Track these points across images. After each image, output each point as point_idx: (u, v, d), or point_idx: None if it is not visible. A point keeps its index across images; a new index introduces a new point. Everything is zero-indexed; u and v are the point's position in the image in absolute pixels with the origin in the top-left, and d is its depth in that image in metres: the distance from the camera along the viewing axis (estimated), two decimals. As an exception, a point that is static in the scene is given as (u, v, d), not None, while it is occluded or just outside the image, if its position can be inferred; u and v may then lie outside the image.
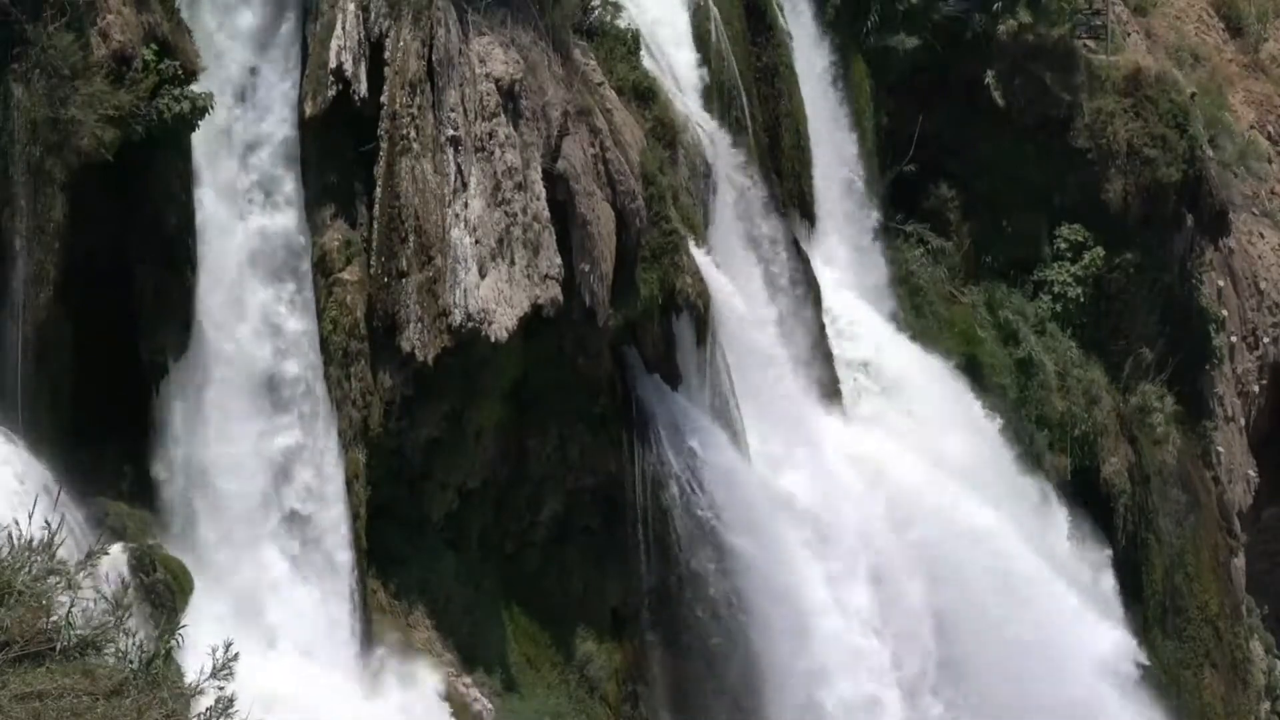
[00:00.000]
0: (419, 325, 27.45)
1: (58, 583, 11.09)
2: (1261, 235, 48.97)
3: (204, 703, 10.67)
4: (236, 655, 10.74)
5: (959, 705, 34.85)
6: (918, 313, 40.04)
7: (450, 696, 27.98)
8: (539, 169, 28.70)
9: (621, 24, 32.54)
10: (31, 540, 11.14)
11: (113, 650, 10.93)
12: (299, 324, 27.29)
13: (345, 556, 27.23)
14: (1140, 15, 48.16)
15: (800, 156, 37.45)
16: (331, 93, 27.20)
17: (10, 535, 11.28)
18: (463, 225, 27.73)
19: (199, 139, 25.94)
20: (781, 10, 37.52)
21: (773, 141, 36.77)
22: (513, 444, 30.11)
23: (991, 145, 41.95)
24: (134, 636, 11.04)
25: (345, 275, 27.70)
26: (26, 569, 11.01)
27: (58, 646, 10.71)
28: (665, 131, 32.63)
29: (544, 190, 28.64)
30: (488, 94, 28.34)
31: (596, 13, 32.12)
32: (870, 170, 39.80)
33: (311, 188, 27.59)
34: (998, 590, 35.57)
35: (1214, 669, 43.73)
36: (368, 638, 27.52)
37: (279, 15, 27.32)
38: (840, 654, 32.49)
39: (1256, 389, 47.94)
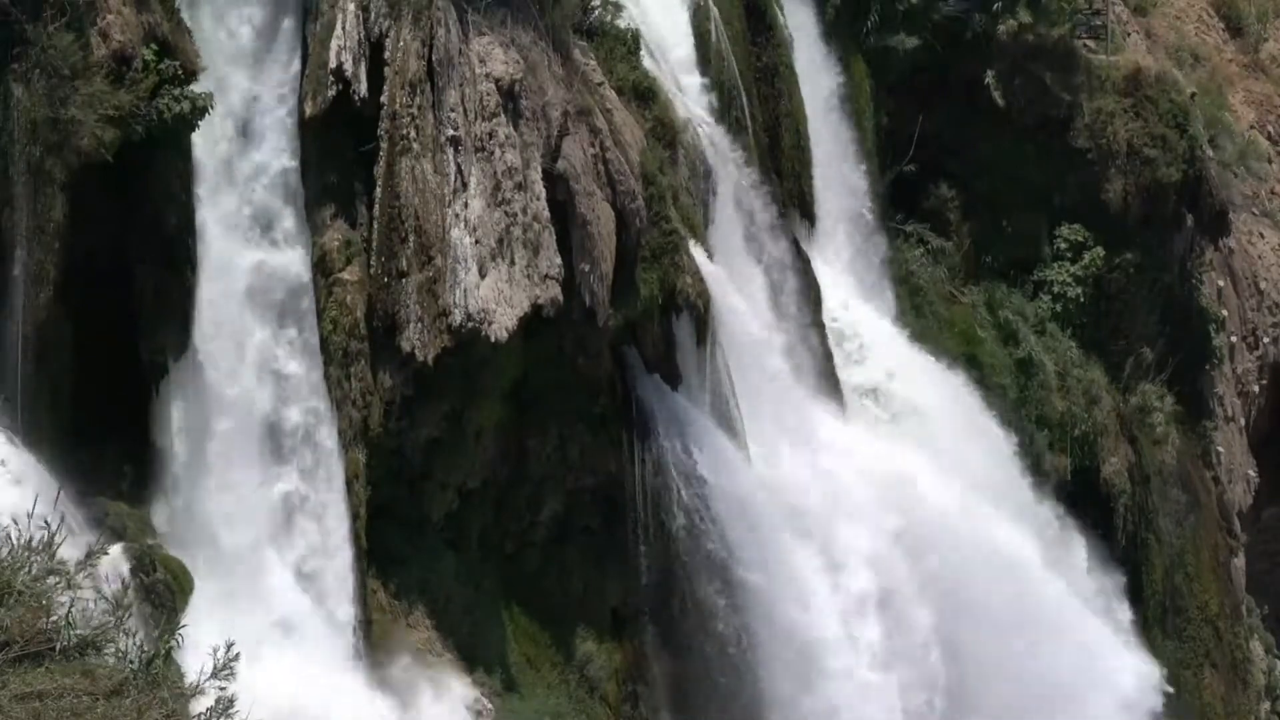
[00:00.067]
0: (419, 325, 27.45)
1: (58, 583, 11.08)
2: (1261, 235, 48.97)
3: (204, 703, 10.66)
4: (238, 655, 10.73)
5: None
6: (918, 313, 40.03)
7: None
8: (539, 169, 28.70)
9: (621, 24, 32.54)
10: (31, 540, 11.13)
11: (113, 650, 10.92)
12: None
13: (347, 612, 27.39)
14: (1140, 15, 48.15)
15: (800, 156, 37.44)
16: (331, 93, 27.20)
17: (10, 535, 11.28)
18: (463, 225, 27.72)
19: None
20: (781, 10, 37.51)
21: (773, 141, 36.76)
22: (513, 444, 30.11)
23: (991, 145, 41.94)
24: (134, 636, 11.04)
25: (345, 275, 27.70)
26: (26, 569, 11.00)
27: (58, 646, 10.71)
28: (665, 131, 32.62)
29: (544, 190, 28.64)
30: (488, 94, 28.34)
31: (596, 13, 32.12)
32: (870, 170, 39.79)
33: (311, 188, 27.59)
34: (1020, 622, 35.20)
35: (1214, 669, 43.73)
36: (368, 638, 27.53)
37: (279, 15, 27.34)
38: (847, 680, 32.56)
39: (1256, 389, 47.93)
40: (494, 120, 28.31)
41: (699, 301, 31.36)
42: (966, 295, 41.57)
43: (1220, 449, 45.52)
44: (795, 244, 35.55)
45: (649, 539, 31.08)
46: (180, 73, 25.30)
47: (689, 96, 34.25)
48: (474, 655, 29.10)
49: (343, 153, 27.93)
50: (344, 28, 27.34)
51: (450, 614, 29.05)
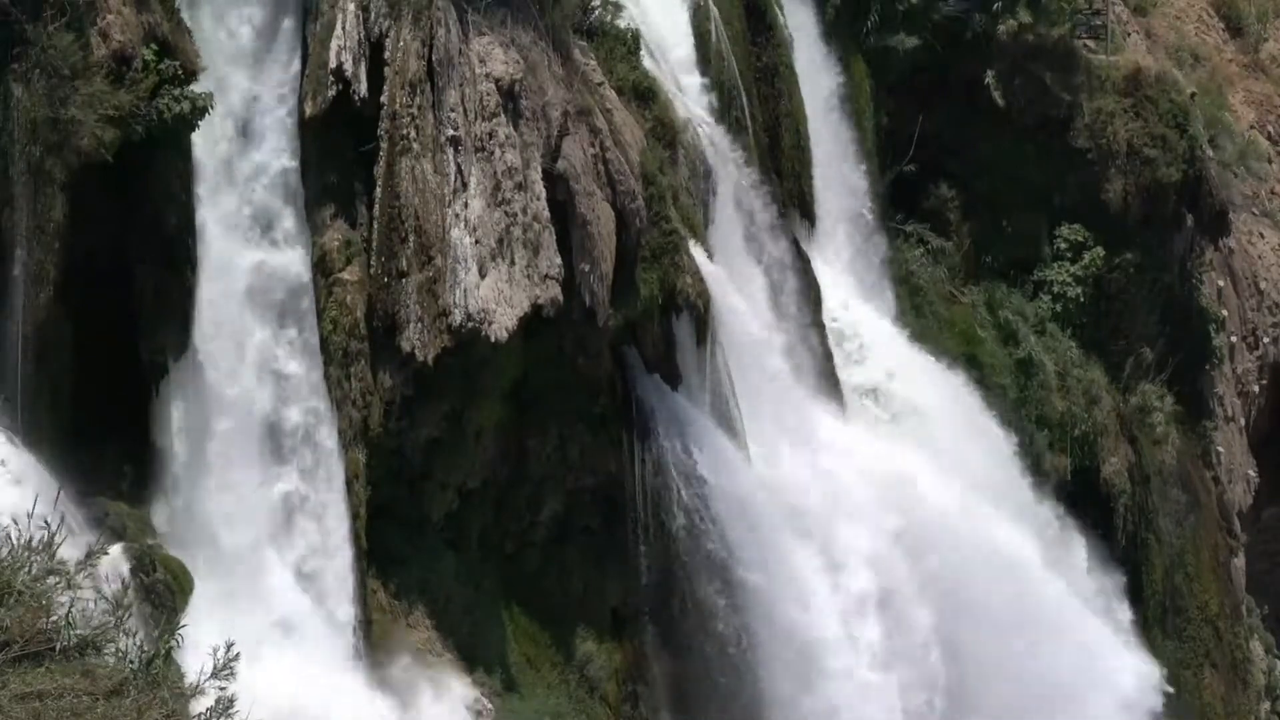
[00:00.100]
0: (419, 325, 27.45)
1: (58, 583, 11.08)
2: (1261, 235, 48.97)
3: (204, 703, 10.66)
4: (238, 655, 10.73)
5: None
6: (918, 313, 40.03)
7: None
8: (539, 169, 28.70)
9: (621, 24, 32.54)
10: (31, 540, 11.13)
11: (113, 650, 10.92)
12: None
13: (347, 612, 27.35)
14: (1140, 15, 48.16)
15: (800, 156, 37.44)
16: (331, 93, 27.20)
17: (10, 535, 11.28)
18: (463, 225, 27.72)
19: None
20: (781, 10, 37.51)
21: (773, 141, 36.75)
22: (513, 444, 30.11)
23: (991, 145, 41.94)
24: (134, 636, 11.04)
25: (345, 275, 27.70)
26: (26, 569, 11.00)
27: (58, 646, 10.71)
28: (665, 131, 32.62)
29: (544, 190, 28.63)
30: (488, 94, 28.34)
31: (596, 13, 32.11)
32: (870, 170, 39.79)
33: (311, 188, 27.59)
34: (1019, 622, 35.09)
35: (1214, 669, 43.73)
36: (368, 638, 27.52)
37: (279, 15, 27.33)
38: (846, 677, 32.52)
39: (1256, 389, 47.94)
40: (494, 120, 28.31)
41: (699, 301, 31.36)
42: (966, 295, 41.56)
43: (1220, 449, 45.53)
44: (795, 244, 35.54)
45: (649, 539, 31.08)
46: (180, 73, 25.30)
47: (689, 96, 34.25)
48: (474, 655, 29.10)
49: (343, 153, 27.92)
50: (344, 28, 27.34)
51: (450, 614, 29.04)
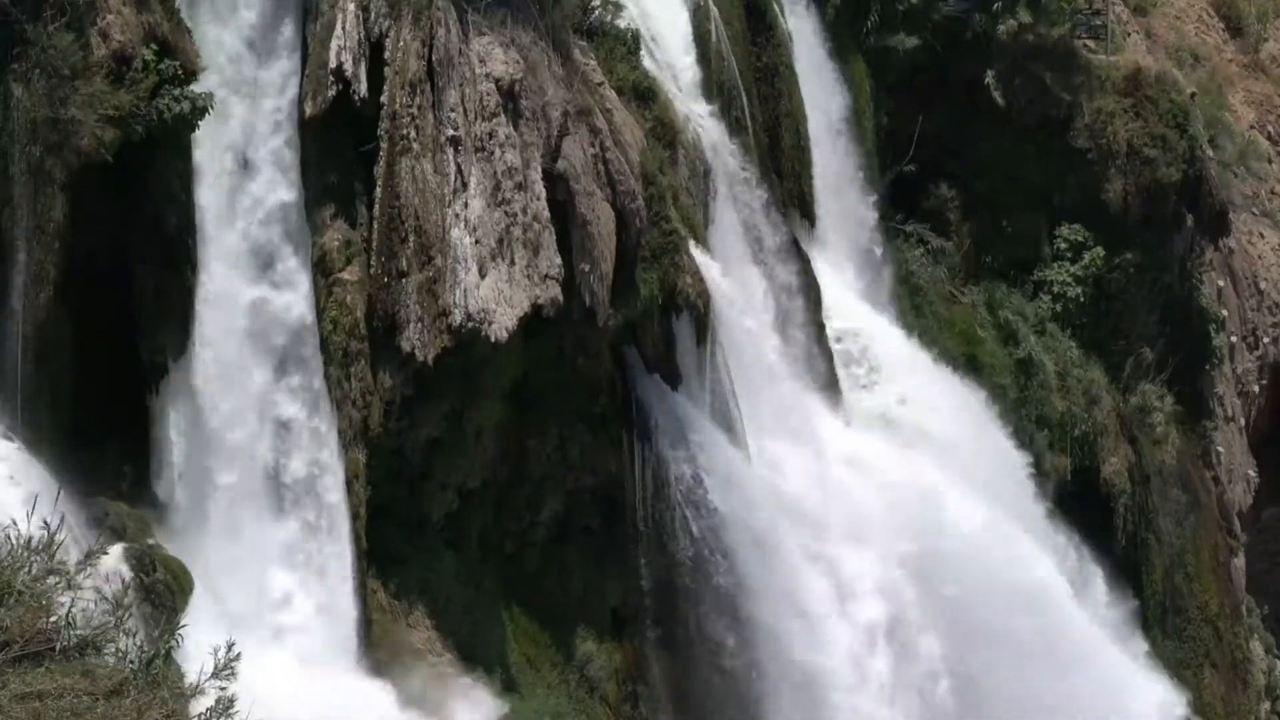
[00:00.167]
0: (419, 325, 27.45)
1: (58, 583, 11.08)
2: (1261, 235, 48.97)
3: (204, 703, 10.66)
4: (238, 655, 10.73)
5: None
6: (918, 313, 40.04)
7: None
8: (539, 169, 28.70)
9: (621, 24, 32.54)
10: (31, 540, 11.13)
11: (113, 650, 10.92)
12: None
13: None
14: (1140, 15, 48.16)
15: (800, 156, 37.44)
16: (331, 93, 27.19)
17: (10, 535, 11.28)
18: (463, 225, 27.72)
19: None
20: (781, 10, 37.51)
21: (773, 141, 36.75)
22: (513, 444, 30.11)
23: (991, 145, 41.95)
24: (134, 636, 11.03)
25: (345, 275, 27.69)
26: (26, 569, 11.00)
27: (58, 646, 10.70)
28: (665, 131, 32.63)
29: (544, 190, 28.63)
30: (488, 94, 28.34)
31: (596, 13, 32.11)
32: (870, 170, 39.79)
33: (311, 188, 27.58)
34: (1040, 652, 34.28)
35: (1214, 669, 43.72)
36: (368, 638, 27.52)
37: (278, 17, 27.31)
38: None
39: (1256, 389, 47.93)
40: (494, 120, 28.31)
41: (699, 301, 31.36)
42: (966, 295, 41.57)
43: (1220, 449, 45.53)
44: (795, 244, 35.54)
45: (649, 539, 31.07)
46: (180, 73, 25.30)
47: (689, 96, 34.25)
48: (474, 655, 29.09)
49: (343, 153, 27.92)
50: (344, 28, 27.34)
51: (450, 614, 29.04)
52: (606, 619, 31.00)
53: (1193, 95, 44.36)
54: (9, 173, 23.98)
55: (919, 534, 33.90)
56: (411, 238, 27.49)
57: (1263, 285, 48.23)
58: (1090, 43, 44.19)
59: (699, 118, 34.03)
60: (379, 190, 27.63)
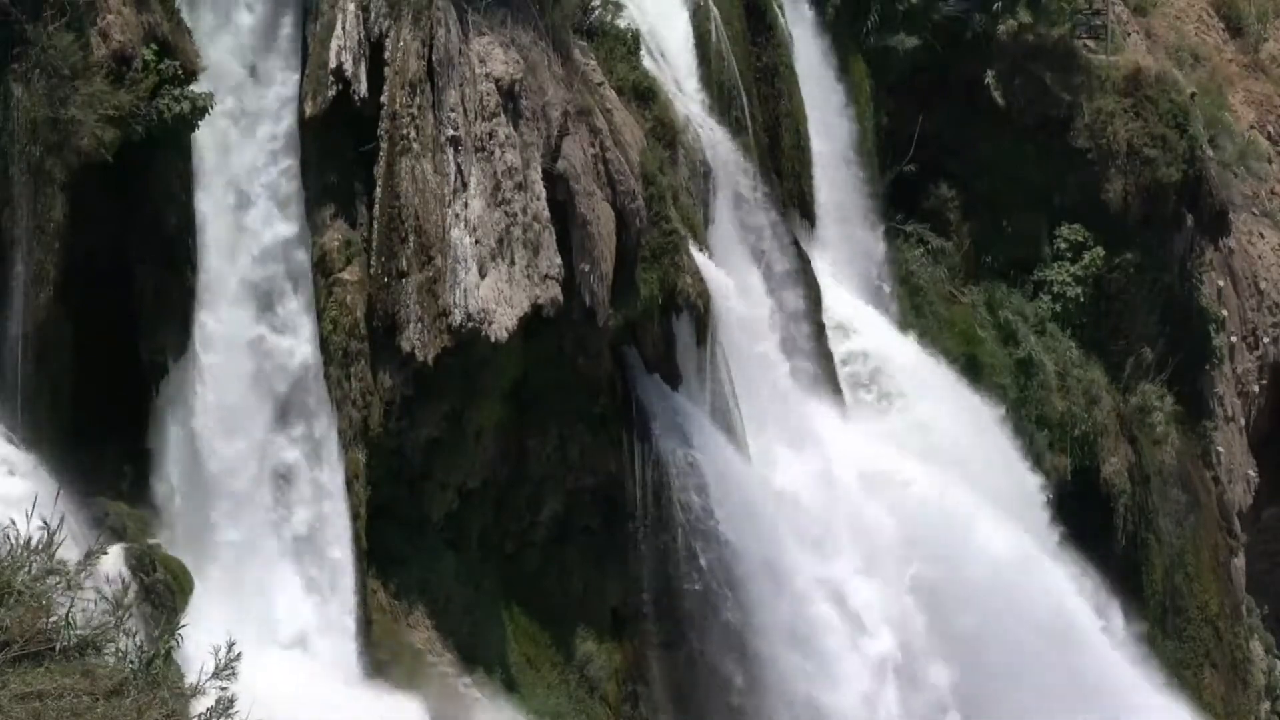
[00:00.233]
0: (419, 325, 27.44)
1: (58, 583, 11.08)
2: (1261, 235, 48.98)
3: (204, 703, 10.66)
4: (239, 655, 10.72)
5: None
6: (918, 313, 40.04)
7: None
8: (539, 169, 28.70)
9: (621, 24, 32.54)
10: (31, 540, 11.13)
11: (113, 650, 10.92)
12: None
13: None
14: (1140, 15, 48.17)
15: (800, 156, 37.44)
16: (331, 93, 27.19)
17: (10, 535, 11.27)
18: (463, 225, 27.72)
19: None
20: (781, 10, 37.52)
21: (773, 141, 36.76)
22: (513, 444, 30.10)
23: (991, 145, 41.96)
24: (134, 636, 11.03)
25: (345, 275, 27.69)
26: (26, 569, 11.00)
27: (58, 646, 10.70)
28: (665, 131, 32.62)
29: (544, 190, 28.63)
30: (488, 94, 28.34)
31: (596, 13, 32.12)
32: (870, 170, 39.79)
33: (311, 188, 27.58)
34: (1068, 695, 33.54)
35: (1214, 669, 43.72)
36: (368, 638, 27.51)
37: (278, 16, 27.30)
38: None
39: (1256, 389, 47.94)
40: (494, 120, 28.31)
41: (699, 301, 31.36)
42: (966, 295, 41.58)
43: (1220, 449, 45.53)
44: (795, 244, 35.55)
45: (649, 539, 31.06)
46: (180, 73, 25.30)
47: (689, 96, 34.25)
48: (474, 655, 29.08)
49: (343, 153, 27.92)
50: (344, 28, 27.33)
51: (450, 614, 29.03)
52: (606, 619, 30.99)
53: (1193, 95, 44.37)
54: (9, 173, 23.97)
55: (940, 558, 33.34)
56: (411, 238, 27.49)
57: (1263, 285, 48.24)
58: (1090, 43, 44.21)
59: (699, 118, 34.03)
60: (379, 190, 27.62)
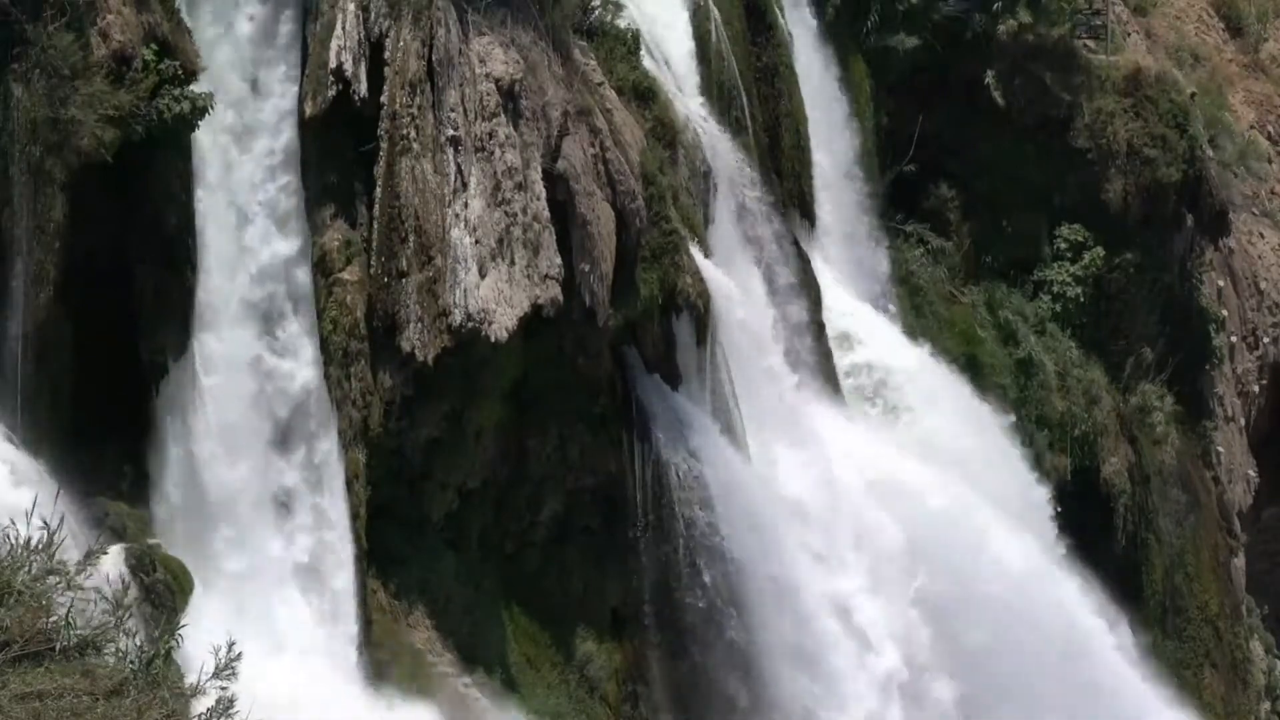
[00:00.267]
0: (419, 325, 27.44)
1: (58, 583, 11.07)
2: (1261, 235, 48.98)
3: (205, 703, 10.65)
4: (240, 655, 10.72)
5: None
6: (918, 313, 40.04)
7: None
8: (539, 169, 28.69)
9: (621, 24, 32.54)
10: (31, 540, 11.12)
11: (113, 650, 10.91)
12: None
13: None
14: (1140, 15, 48.17)
15: (800, 156, 37.44)
16: (331, 93, 27.18)
17: (10, 535, 11.27)
18: (463, 225, 27.72)
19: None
20: (781, 10, 37.52)
21: (773, 141, 36.76)
22: (513, 444, 30.10)
23: (991, 145, 41.96)
24: (134, 636, 11.03)
25: (345, 275, 27.69)
26: (26, 569, 10.99)
27: (58, 646, 10.70)
28: (665, 131, 32.62)
29: (544, 190, 28.62)
30: (488, 94, 28.34)
31: (596, 13, 32.11)
32: (870, 170, 39.79)
33: (311, 188, 27.58)
34: (1079, 712, 33.10)
35: (1214, 669, 43.72)
36: (368, 638, 27.51)
37: (278, 16, 27.30)
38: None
39: (1256, 389, 47.94)
40: (494, 120, 28.30)
41: (699, 301, 31.35)
42: (966, 295, 41.58)
43: (1220, 449, 45.53)
44: (795, 244, 35.54)
45: (649, 539, 31.04)
46: (180, 73, 25.29)
47: (689, 96, 34.24)
48: (474, 655, 29.08)
49: (343, 153, 27.91)
50: (344, 28, 27.33)
51: (450, 614, 29.03)
52: (606, 619, 30.98)
53: (1193, 95, 44.37)
54: (9, 173, 23.97)
55: (949, 570, 32.95)
56: (411, 238, 27.49)
57: (1263, 285, 48.24)
58: (1090, 43, 44.21)
59: (699, 118, 34.03)
60: (379, 190, 27.62)
